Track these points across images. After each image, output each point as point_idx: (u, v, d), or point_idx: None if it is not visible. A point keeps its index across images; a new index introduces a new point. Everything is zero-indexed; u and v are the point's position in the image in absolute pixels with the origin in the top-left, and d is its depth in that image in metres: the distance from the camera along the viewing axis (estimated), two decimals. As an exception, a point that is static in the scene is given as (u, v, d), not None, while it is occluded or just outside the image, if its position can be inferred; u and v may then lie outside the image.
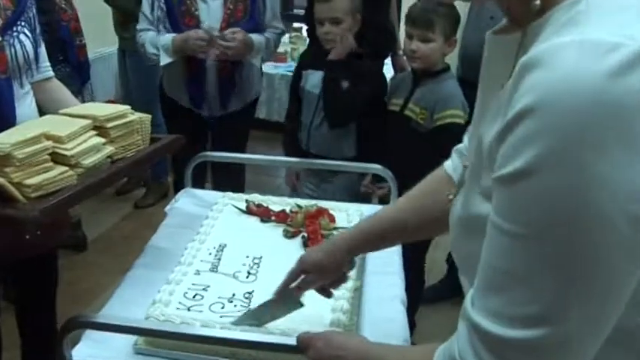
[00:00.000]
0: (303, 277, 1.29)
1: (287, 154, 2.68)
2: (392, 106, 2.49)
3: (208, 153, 2.12)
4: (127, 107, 1.65)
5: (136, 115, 1.66)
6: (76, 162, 1.45)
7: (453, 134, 2.38)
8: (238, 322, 1.32)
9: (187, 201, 2.06)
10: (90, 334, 1.34)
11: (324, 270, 1.28)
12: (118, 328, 1.25)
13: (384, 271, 1.66)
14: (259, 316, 1.32)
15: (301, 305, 1.31)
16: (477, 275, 0.71)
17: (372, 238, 1.26)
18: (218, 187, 2.34)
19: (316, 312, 1.35)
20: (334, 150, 2.54)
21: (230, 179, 2.83)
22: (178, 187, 2.69)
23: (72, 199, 1.41)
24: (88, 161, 1.47)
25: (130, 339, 1.33)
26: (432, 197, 1.12)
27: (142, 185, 4.39)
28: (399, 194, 2.01)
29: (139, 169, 1.82)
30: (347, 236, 1.29)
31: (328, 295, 1.35)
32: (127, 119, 1.62)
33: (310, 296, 1.34)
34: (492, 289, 0.69)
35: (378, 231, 1.25)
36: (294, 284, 1.31)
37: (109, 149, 1.55)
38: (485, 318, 0.69)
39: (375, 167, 2.07)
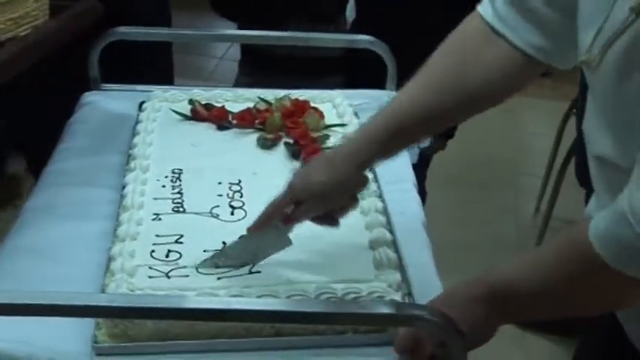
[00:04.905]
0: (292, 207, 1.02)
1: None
2: None
3: (123, 29, 1.49)
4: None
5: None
6: None
7: None
8: (207, 265, 1.01)
9: (99, 102, 1.49)
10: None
11: (327, 197, 1.01)
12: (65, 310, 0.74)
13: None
14: (237, 255, 1.02)
15: (290, 243, 1.02)
16: None
17: (388, 142, 0.98)
18: (132, 79, 1.69)
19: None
20: None
21: (152, 67, 2.13)
22: (72, 82, 1.95)
23: None
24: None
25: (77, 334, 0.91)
26: (471, 59, 0.91)
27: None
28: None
29: (38, 55, 1.37)
30: (352, 147, 1.00)
31: (333, 223, 1.08)
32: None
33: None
34: None
35: (396, 130, 0.96)
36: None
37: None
38: None
39: (364, 39, 1.55)
